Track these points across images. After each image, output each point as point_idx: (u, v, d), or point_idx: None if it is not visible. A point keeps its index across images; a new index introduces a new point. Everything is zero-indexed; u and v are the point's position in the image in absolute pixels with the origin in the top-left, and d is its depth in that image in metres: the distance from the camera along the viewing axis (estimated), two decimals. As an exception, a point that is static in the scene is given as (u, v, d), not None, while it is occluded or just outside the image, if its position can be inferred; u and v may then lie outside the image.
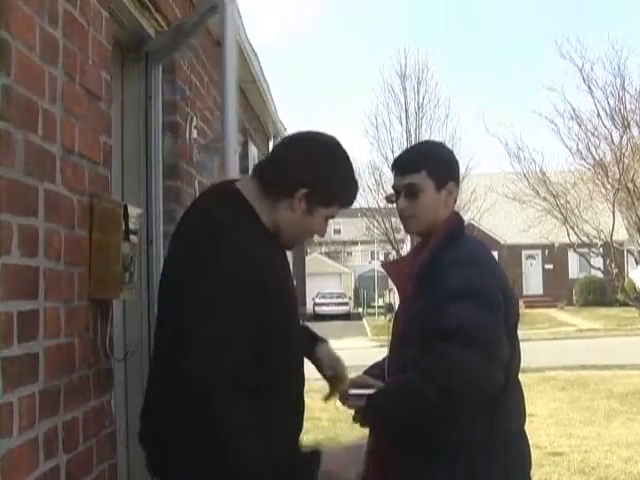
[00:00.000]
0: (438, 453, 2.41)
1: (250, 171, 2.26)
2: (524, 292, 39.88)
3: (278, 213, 2.12)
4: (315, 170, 2.14)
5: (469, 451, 2.39)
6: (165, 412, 1.97)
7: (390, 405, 2.44)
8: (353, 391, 2.49)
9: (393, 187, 2.63)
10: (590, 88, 19.84)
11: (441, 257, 2.46)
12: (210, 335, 1.87)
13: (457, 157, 2.82)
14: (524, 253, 40.07)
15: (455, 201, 2.64)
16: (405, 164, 2.61)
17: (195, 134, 3.66)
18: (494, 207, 33.95)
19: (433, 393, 2.30)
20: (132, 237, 2.37)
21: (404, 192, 2.57)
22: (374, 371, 2.72)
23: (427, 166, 2.54)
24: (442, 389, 2.30)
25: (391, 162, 2.80)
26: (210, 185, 2.34)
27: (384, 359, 2.73)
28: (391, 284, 2.86)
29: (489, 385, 2.35)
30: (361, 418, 2.51)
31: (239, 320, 1.89)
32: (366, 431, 2.59)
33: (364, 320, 35.44)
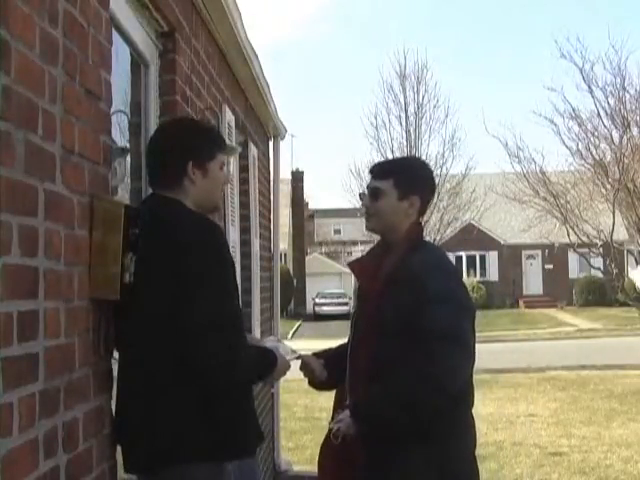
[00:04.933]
0: (411, 439, 2.64)
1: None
2: (524, 292, 39.98)
3: (188, 194, 2.48)
4: (182, 140, 2.53)
5: (440, 436, 2.66)
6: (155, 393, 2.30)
7: (383, 410, 2.64)
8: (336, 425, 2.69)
9: (366, 187, 2.97)
10: (590, 88, 19.80)
11: (410, 260, 2.76)
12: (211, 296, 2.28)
13: (435, 175, 3.24)
14: (524, 253, 40.12)
15: (419, 213, 2.93)
16: (378, 170, 2.95)
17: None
18: (494, 207, 33.96)
19: (429, 391, 2.60)
20: (132, 238, 2.37)
21: (369, 193, 2.90)
22: (325, 359, 3.00)
23: (395, 176, 2.86)
24: (436, 388, 2.60)
25: None
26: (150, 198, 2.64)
27: (337, 349, 3.03)
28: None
29: (465, 377, 2.71)
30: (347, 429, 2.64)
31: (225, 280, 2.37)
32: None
33: (364, 320, 35.38)
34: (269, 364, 2.55)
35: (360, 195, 2.98)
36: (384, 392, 2.65)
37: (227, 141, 2.65)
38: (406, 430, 2.62)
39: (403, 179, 2.85)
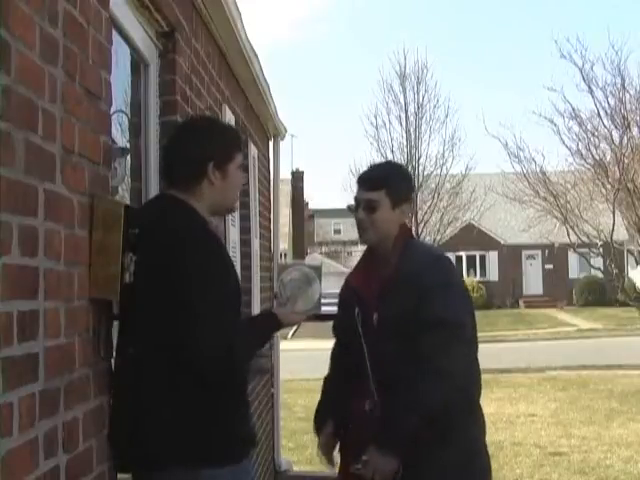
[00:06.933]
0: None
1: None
2: (524, 292, 39.97)
3: (205, 196, 2.44)
4: (204, 141, 2.47)
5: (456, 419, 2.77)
6: (161, 391, 2.29)
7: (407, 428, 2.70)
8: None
9: (355, 198, 2.96)
10: (590, 88, 19.76)
11: (407, 259, 2.86)
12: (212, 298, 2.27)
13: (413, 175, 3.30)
14: (524, 253, 40.10)
15: (406, 219, 3.04)
16: (368, 181, 2.95)
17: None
18: (494, 207, 33.92)
19: (446, 390, 2.71)
20: (132, 238, 2.37)
21: (363, 205, 2.91)
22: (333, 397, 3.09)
23: (387, 186, 2.90)
24: (450, 384, 2.72)
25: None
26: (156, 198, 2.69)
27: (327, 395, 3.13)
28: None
29: (470, 366, 2.85)
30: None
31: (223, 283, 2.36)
32: None
33: (364, 320, 35.35)
34: (269, 329, 2.63)
35: (349, 207, 2.99)
36: (402, 410, 2.72)
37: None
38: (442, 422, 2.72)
39: (394, 188, 2.92)
